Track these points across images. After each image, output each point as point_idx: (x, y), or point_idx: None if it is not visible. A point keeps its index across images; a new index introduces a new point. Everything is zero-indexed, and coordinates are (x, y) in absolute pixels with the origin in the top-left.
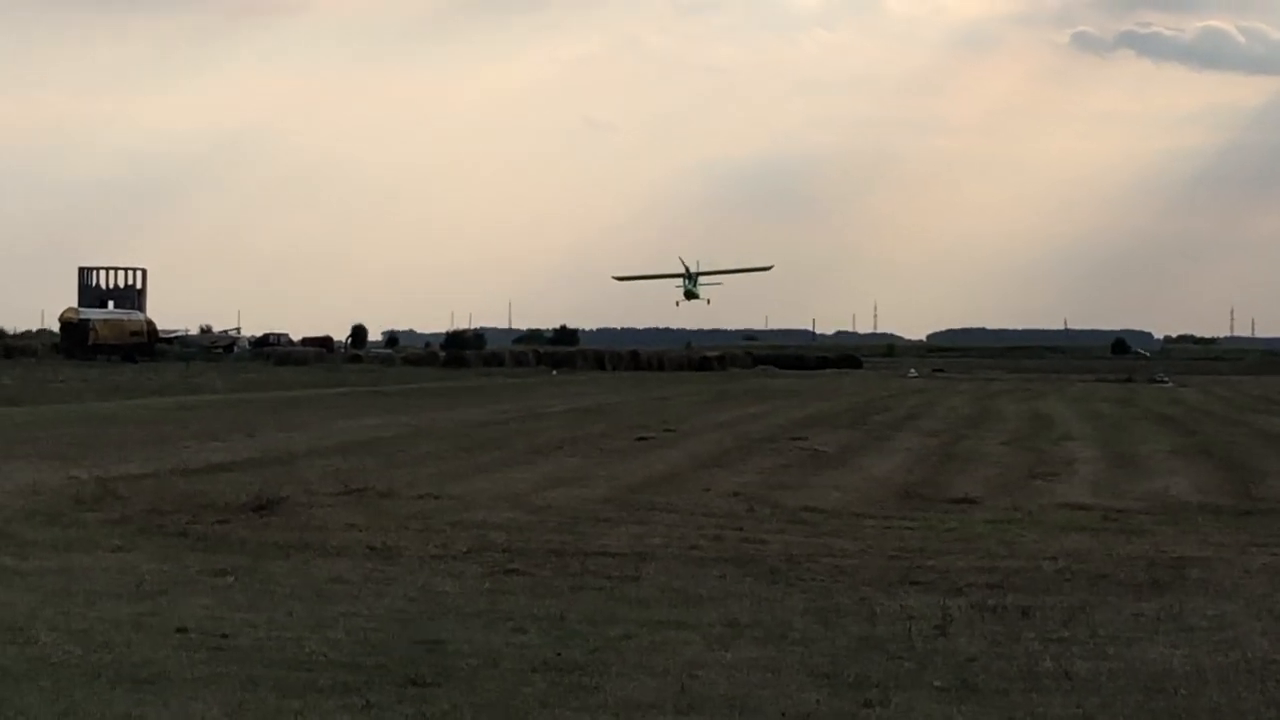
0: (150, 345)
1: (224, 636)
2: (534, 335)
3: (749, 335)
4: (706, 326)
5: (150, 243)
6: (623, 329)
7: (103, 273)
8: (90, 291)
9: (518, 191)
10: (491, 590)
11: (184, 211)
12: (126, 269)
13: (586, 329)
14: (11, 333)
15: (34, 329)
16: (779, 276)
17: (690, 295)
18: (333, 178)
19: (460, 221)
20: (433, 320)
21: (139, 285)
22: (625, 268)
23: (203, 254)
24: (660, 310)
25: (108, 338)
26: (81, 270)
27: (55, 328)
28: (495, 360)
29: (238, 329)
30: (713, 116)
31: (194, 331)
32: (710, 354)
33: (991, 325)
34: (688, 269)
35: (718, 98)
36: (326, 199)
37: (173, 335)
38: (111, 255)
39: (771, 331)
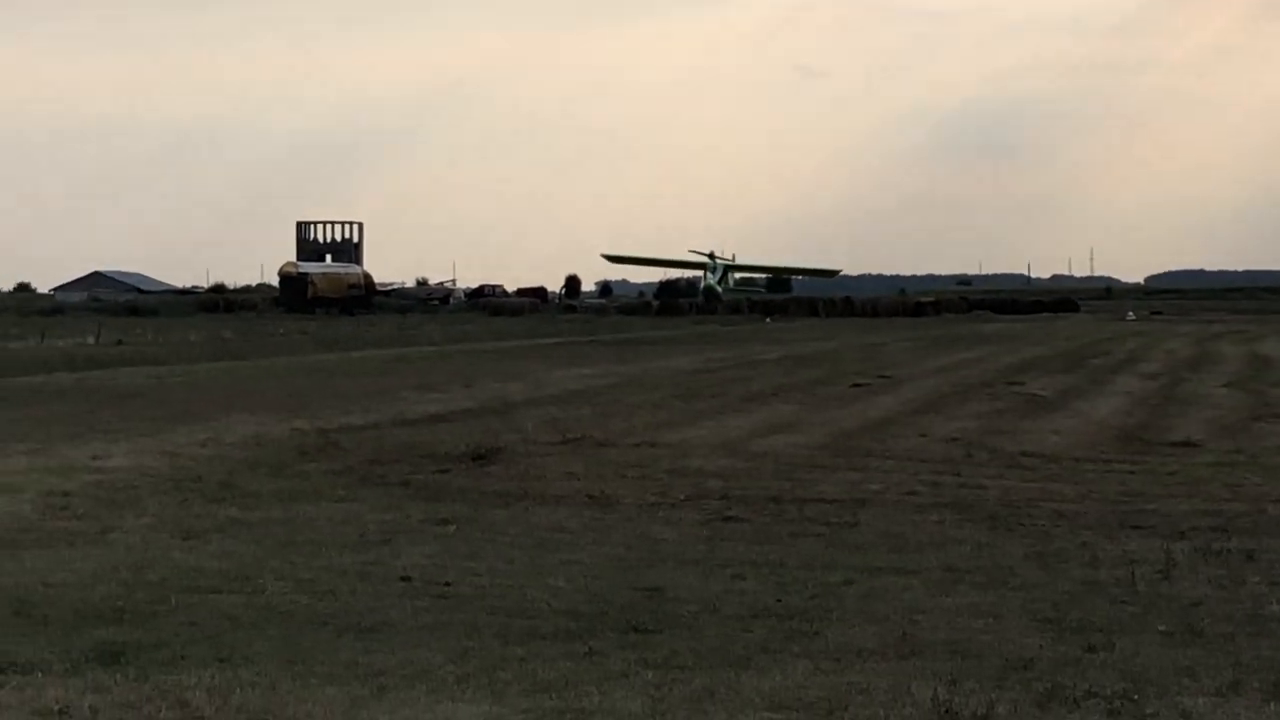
0: (367, 298)
1: (447, 585)
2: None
3: (963, 280)
4: (920, 272)
5: (367, 196)
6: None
7: (321, 226)
8: (308, 245)
9: (731, 139)
10: (710, 537)
11: (400, 164)
12: (344, 223)
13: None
14: (232, 287)
15: (254, 283)
16: (993, 220)
17: (710, 294)
18: (548, 129)
19: (673, 172)
20: (646, 270)
21: (356, 239)
22: (834, 217)
23: (419, 207)
24: (874, 256)
25: (326, 291)
26: (300, 224)
27: (274, 282)
28: (708, 308)
29: (453, 281)
30: (926, 61)
31: (410, 284)
32: (924, 299)
33: (1210, 267)
34: (714, 260)
35: (931, 42)
36: (541, 150)
37: (389, 288)
38: (329, 209)
39: (986, 276)
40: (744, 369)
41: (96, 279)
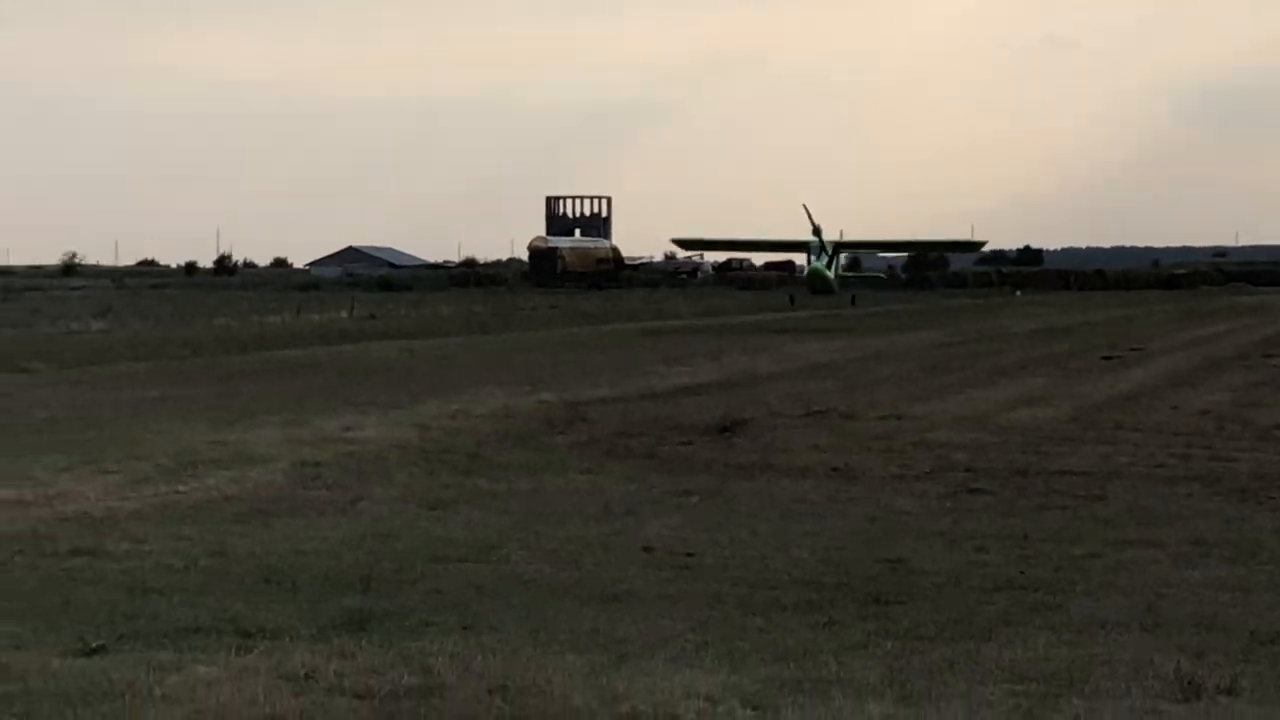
0: (616, 272)
1: (689, 555)
2: (997, 256)
3: (1219, 252)
4: (1174, 244)
5: (617, 171)
6: (1088, 248)
7: (570, 201)
8: (558, 220)
9: (980, 110)
10: (953, 509)
11: (651, 139)
12: (593, 197)
13: (1051, 249)
14: (483, 262)
15: (504, 258)
16: (1249, 192)
17: (818, 278)
18: (796, 102)
19: (923, 142)
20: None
21: (605, 213)
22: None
23: (668, 181)
24: (1127, 228)
25: (575, 265)
26: (549, 199)
27: (525, 257)
28: (957, 281)
29: (701, 255)
30: (1177, 29)
31: (659, 258)
32: (1178, 271)
33: None
34: (820, 239)
35: (1182, 9)
36: (788, 123)
37: (638, 262)
38: (578, 184)
39: (1243, 248)
40: (993, 342)
41: (350, 254)
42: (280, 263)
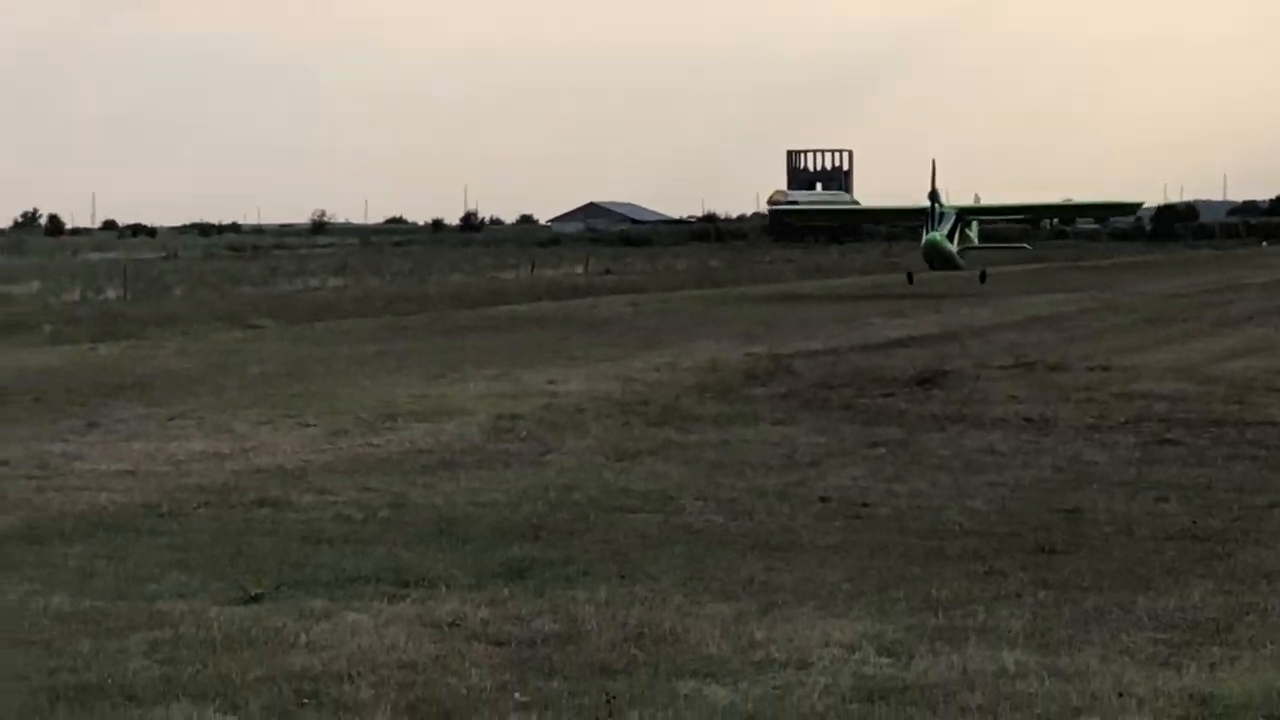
0: (855, 226)
1: (864, 505)
2: (1249, 207)
3: None
4: None
5: (858, 124)
6: None
7: (811, 155)
8: (798, 175)
9: (1234, 62)
10: (1141, 460)
11: (892, 92)
12: (834, 151)
13: None
14: (723, 217)
15: (747, 213)
16: None
17: (936, 254)
18: (1039, 54)
19: (1176, 94)
20: (1143, 193)
21: (846, 167)
22: None
23: (910, 134)
24: None
25: (814, 219)
26: (790, 154)
27: (765, 211)
28: (1205, 233)
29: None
30: None
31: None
32: None
33: None
34: (939, 205)
35: None
36: (1030, 75)
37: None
38: (820, 138)
39: None
40: (1225, 293)
41: (591, 210)
42: (526, 219)
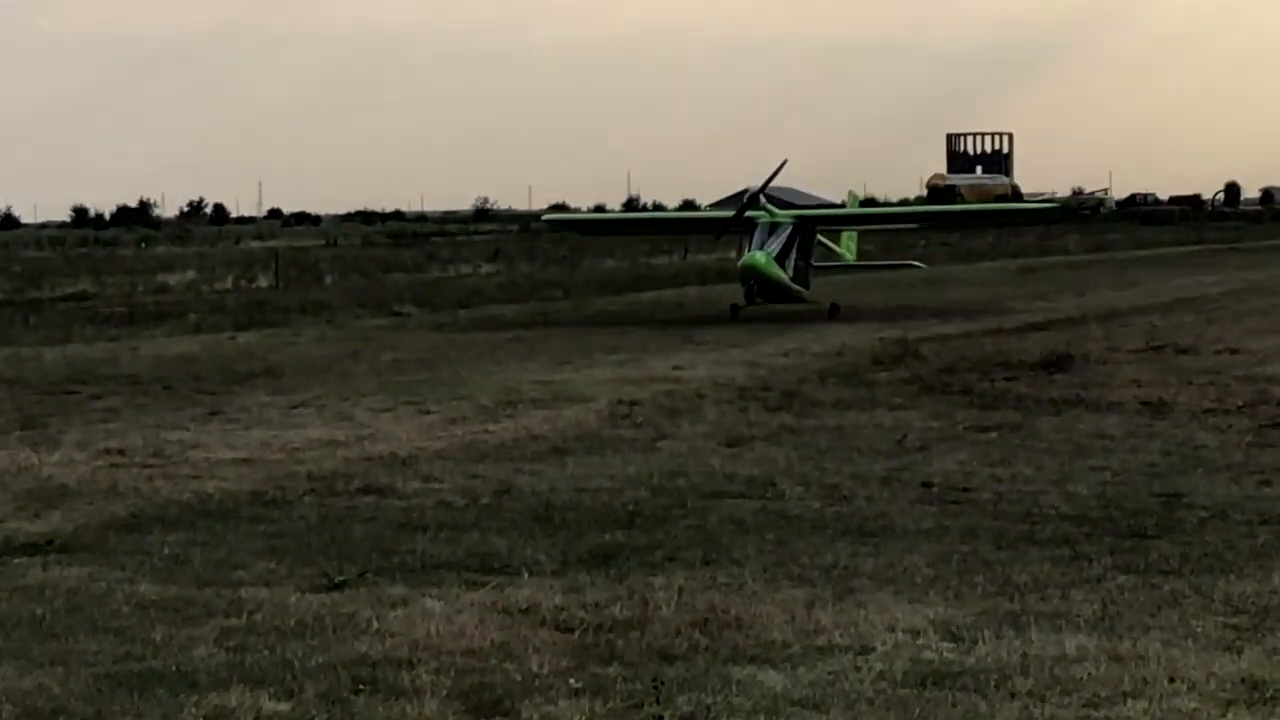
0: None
1: (965, 490)
2: None
3: None
4: None
5: (1018, 106)
6: None
7: (970, 138)
8: (958, 157)
9: None
10: (1252, 444)
11: (1053, 75)
12: (993, 134)
13: None
14: (882, 200)
15: (910, 196)
16: None
17: (753, 274)
18: (1206, 35)
19: None
20: None
21: (1006, 149)
22: None
23: (1072, 116)
24: None
25: (973, 202)
26: (949, 136)
27: (925, 194)
28: None
29: (1105, 190)
30: None
31: (1063, 193)
32: None
33: None
34: (760, 204)
35: None
36: (1199, 56)
37: (1039, 198)
38: (979, 120)
39: None
40: None
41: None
42: (688, 204)
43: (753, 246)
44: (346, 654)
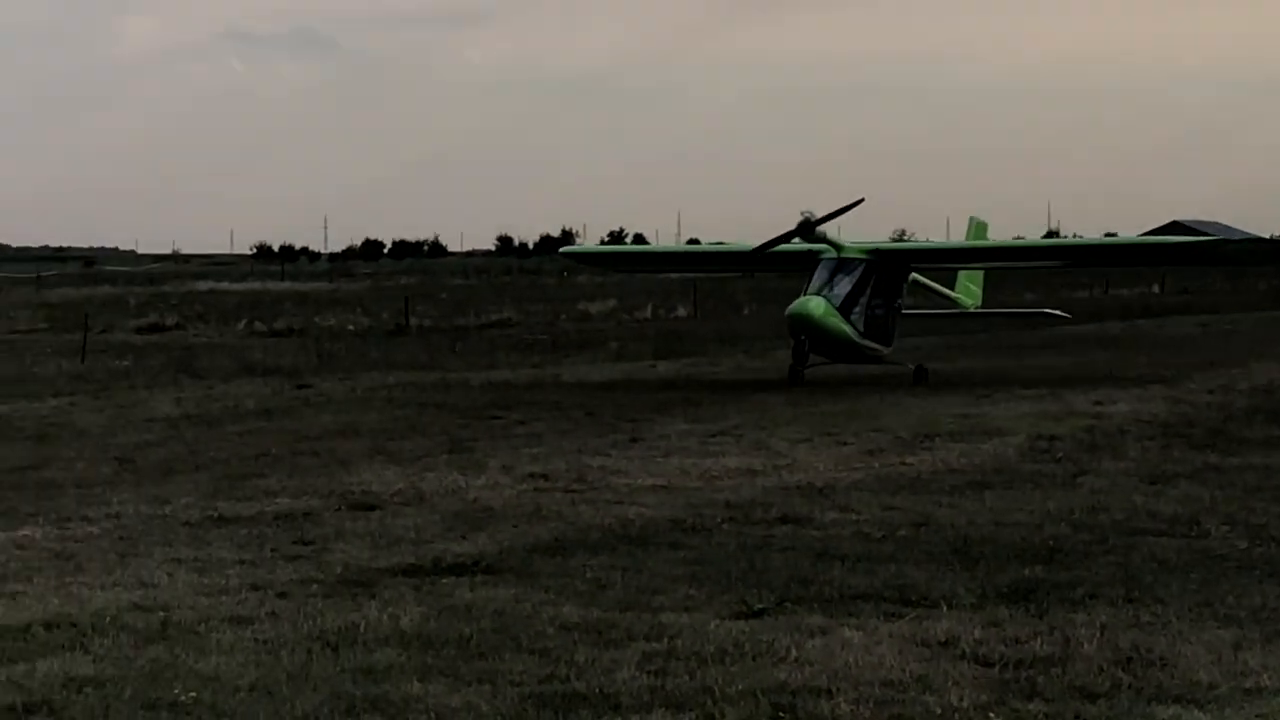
0: None
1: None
2: None
3: None
4: None
5: None
6: None
7: None
8: None
9: None
10: None
11: None
12: None
13: None
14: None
15: None
16: None
17: (804, 325)
18: None
19: None
20: None
21: None
22: None
23: None
24: None
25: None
26: None
27: None
28: None
29: None
30: None
31: None
32: None
33: None
34: (813, 235)
35: None
36: None
37: None
38: None
39: None
40: None
41: (1174, 228)
42: (1109, 236)
43: (808, 290)
44: (766, 681)
